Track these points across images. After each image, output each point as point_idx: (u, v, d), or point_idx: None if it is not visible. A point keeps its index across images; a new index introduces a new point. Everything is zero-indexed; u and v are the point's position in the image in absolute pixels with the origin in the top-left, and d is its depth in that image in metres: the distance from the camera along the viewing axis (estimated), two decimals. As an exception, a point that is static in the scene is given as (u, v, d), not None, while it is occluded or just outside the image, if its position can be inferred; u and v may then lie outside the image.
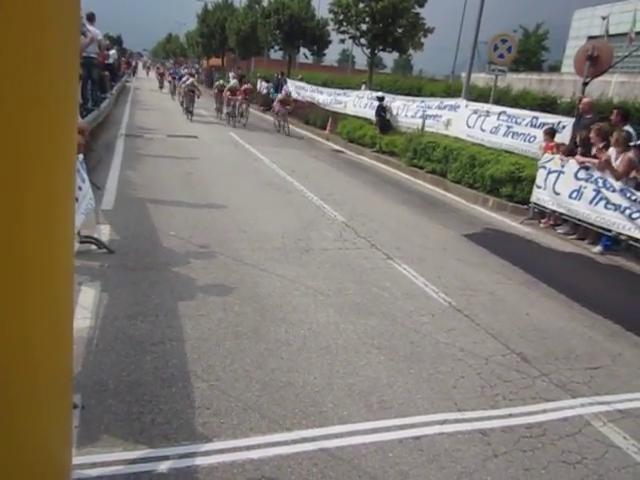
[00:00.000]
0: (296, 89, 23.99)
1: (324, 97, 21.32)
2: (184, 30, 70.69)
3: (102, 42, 15.01)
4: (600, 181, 7.85)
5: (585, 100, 9.47)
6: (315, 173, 11.74)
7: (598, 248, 7.84)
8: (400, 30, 20.35)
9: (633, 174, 7.60)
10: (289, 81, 25.04)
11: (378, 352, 4.18)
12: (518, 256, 7.10)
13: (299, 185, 10.04)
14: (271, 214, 7.85)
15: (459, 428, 3.36)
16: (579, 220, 8.22)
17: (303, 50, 33.32)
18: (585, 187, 8.09)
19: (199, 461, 2.83)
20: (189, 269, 5.40)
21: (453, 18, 39.72)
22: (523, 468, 3.06)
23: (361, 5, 19.85)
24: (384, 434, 3.22)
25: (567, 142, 9.51)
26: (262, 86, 28.26)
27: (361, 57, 28.71)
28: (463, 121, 13.16)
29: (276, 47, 34.51)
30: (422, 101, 15.54)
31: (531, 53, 44.73)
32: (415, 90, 18.62)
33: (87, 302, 4.45)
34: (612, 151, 7.88)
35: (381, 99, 16.13)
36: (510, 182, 10.00)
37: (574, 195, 8.25)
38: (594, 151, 8.27)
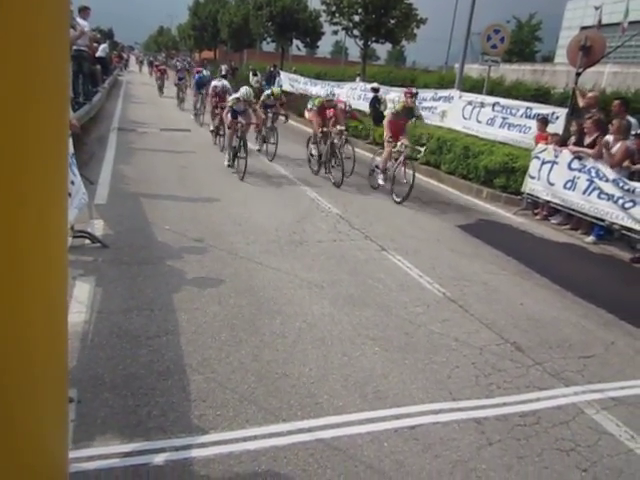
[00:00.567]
0: (290, 81, 23.92)
1: (317, 89, 21.25)
2: (176, 23, 70.38)
3: (90, 34, 14.87)
4: (593, 171, 7.88)
5: (590, 94, 9.46)
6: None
7: (591, 238, 7.88)
8: (393, 21, 20.32)
9: (626, 163, 7.62)
10: (282, 74, 24.95)
11: (373, 343, 4.20)
12: (512, 246, 7.13)
13: (293, 178, 10.02)
14: (265, 207, 7.84)
15: (454, 417, 3.39)
16: (573, 210, 8.25)
17: (296, 42, 33.21)
18: (579, 177, 8.11)
19: (195, 453, 2.84)
20: (184, 263, 5.40)
21: (446, 9, 39.61)
22: (517, 456, 3.09)
23: (353, -4, 19.80)
24: (379, 424, 3.24)
25: (560, 132, 9.53)
26: (252, 80, 28.09)
27: (354, 49, 28.61)
28: (459, 112, 13.14)
29: (269, 39, 34.36)
30: (416, 92, 15.49)
31: (524, 44, 44.67)
32: (409, 81, 18.57)
33: (82, 297, 4.44)
34: (609, 138, 7.90)
35: (376, 90, 16.07)
36: (504, 173, 10.02)
37: (568, 185, 8.27)
38: (587, 141, 8.29)
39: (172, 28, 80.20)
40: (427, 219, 8.21)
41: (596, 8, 12.90)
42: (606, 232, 7.88)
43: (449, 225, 7.96)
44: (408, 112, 9.64)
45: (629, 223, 7.36)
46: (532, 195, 9.07)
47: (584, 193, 7.97)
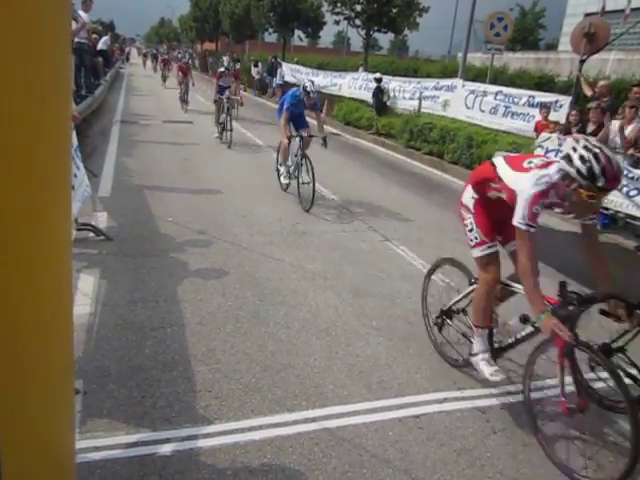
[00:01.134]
0: (292, 72, 23.81)
1: (319, 79, 21.15)
2: (177, 14, 70.10)
3: (90, 26, 14.80)
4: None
5: (602, 83, 9.37)
6: (312, 156, 11.65)
7: (596, 226, 7.86)
8: (395, 10, 20.16)
9: (631, 151, 7.58)
10: (284, 64, 24.83)
11: (377, 333, 4.20)
12: (516, 236, 7.10)
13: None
14: (269, 198, 7.83)
15: (458, 406, 3.39)
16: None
17: (298, 32, 33.04)
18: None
19: (201, 443, 2.86)
20: (188, 255, 5.40)
21: (449, -3, 39.29)
22: (522, 444, 3.10)
23: (355, -15, 19.65)
24: (384, 413, 3.25)
25: (564, 121, 9.48)
26: (253, 71, 27.99)
27: (356, 39, 28.49)
28: (461, 102, 13.08)
29: (270, 30, 34.20)
30: (418, 82, 15.44)
31: (528, 32, 44.35)
32: (411, 71, 18.50)
33: (87, 289, 4.46)
34: (620, 122, 7.88)
35: (379, 80, 15.99)
36: (507, 162, 9.97)
37: (572, 174, 8.23)
38: (590, 129, 8.24)
39: (173, 20, 79.99)
40: (431, 209, 8.19)
41: (600, -6, 12.79)
42: (611, 220, 7.84)
43: (453, 215, 7.91)
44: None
45: (634, 211, 7.33)
46: (536, 184, 9.02)
47: (589, 181, 7.93)
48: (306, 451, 2.88)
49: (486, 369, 3.44)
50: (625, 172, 7.40)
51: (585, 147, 2.75)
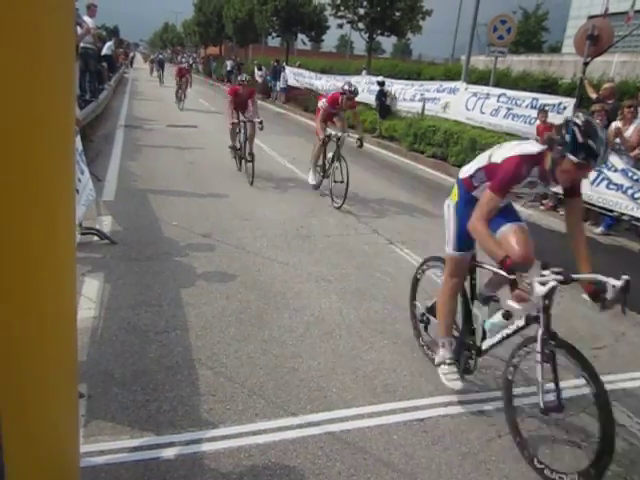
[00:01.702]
0: (294, 76, 23.86)
1: (322, 83, 21.19)
2: (181, 19, 70.36)
3: (95, 32, 14.89)
4: (602, 161, 7.81)
5: (606, 85, 9.35)
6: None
7: (600, 229, 7.82)
8: (398, 13, 20.19)
9: (636, 152, 7.55)
10: (287, 68, 24.89)
11: (381, 336, 4.19)
12: (520, 238, 7.08)
13: (300, 172, 10.01)
14: (272, 202, 7.84)
15: (463, 410, 3.38)
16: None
17: (301, 36, 33.08)
18: (587, 168, 8.05)
19: (205, 447, 2.85)
20: (192, 258, 5.41)
21: (451, 0, 39.35)
22: (527, 448, 3.08)
23: (358, -11, 19.69)
24: (388, 417, 3.24)
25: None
26: (256, 74, 28.09)
27: (359, 42, 28.53)
28: (462, 104, 13.08)
29: (274, 34, 34.25)
30: (421, 85, 15.45)
31: (531, 34, 44.23)
32: (415, 74, 18.49)
33: (91, 293, 4.47)
34: (618, 124, 7.84)
35: (382, 84, 16.02)
36: (511, 164, 9.96)
37: (576, 176, 8.21)
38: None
39: (177, 24, 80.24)
40: (435, 212, 8.17)
41: (603, -4, 12.76)
42: (616, 222, 7.82)
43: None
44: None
45: (639, 214, 7.30)
46: (540, 186, 9.01)
47: (592, 183, 7.91)
48: (310, 455, 2.87)
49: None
50: (630, 174, 7.38)
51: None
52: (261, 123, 8.68)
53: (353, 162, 11.70)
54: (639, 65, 17.43)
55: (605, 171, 7.74)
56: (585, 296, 3.06)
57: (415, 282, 4.17)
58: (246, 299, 4.62)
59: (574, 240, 3.30)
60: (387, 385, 3.57)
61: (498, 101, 11.98)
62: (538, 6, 45.82)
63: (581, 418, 3.21)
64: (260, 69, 28.08)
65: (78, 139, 5.23)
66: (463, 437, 3.13)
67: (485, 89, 12.68)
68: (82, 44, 11.38)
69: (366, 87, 17.54)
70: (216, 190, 8.18)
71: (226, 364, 3.63)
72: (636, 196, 7.28)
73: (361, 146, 8.20)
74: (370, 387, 3.53)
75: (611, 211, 7.68)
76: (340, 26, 22.77)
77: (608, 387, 3.74)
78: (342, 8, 20.83)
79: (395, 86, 16.30)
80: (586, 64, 9.88)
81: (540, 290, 2.88)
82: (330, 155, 8.32)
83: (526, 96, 11.41)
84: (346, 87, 8.05)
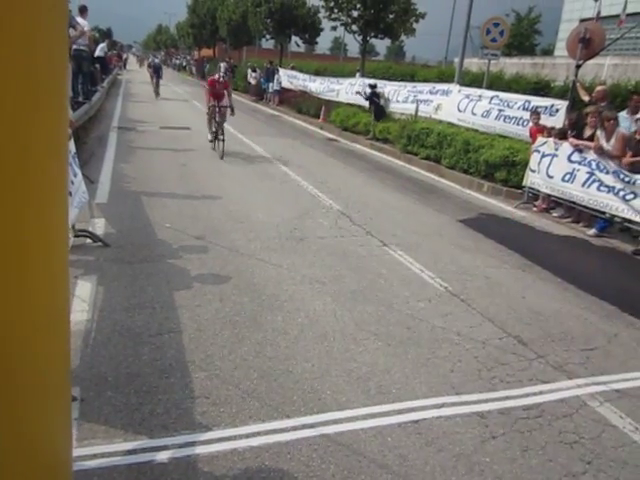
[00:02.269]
0: (288, 78, 23.86)
1: (316, 85, 21.18)
2: (174, 21, 70.21)
3: (90, 34, 14.86)
4: (594, 163, 7.86)
5: (599, 88, 9.37)
6: (310, 162, 11.71)
7: (593, 231, 7.86)
8: (392, 16, 20.22)
9: (628, 159, 7.55)
10: (281, 70, 24.89)
11: (375, 338, 4.20)
12: (513, 240, 7.12)
13: (294, 174, 10.02)
14: (266, 204, 7.83)
15: (457, 411, 3.38)
16: (572, 203, 8.24)
17: (295, 39, 33.09)
18: (578, 170, 8.10)
19: (199, 450, 2.85)
20: (185, 260, 5.40)
21: (445, 3, 39.49)
22: (521, 449, 3.09)
23: (352, -9, 19.71)
24: (382, 419, 3.24)
25: (561, 125, 9.50)
26: (250, 76, 28.07)
27: (353, 45, 28.60)
28: (454, 105, 13.10)
29: (267, 36, 34.25)
30: (414, 86, 15.48)
31: (524, 37, 44.46)
32: (408, 77, 18.51)
33: (84, 295, 4.45)
34: (600, 134, 7.87)
35: (373, 86, 16.05)
36: (504, 167, 10.01)
37: (567, 178, 8.25)
38: (587, 134, 8.26)
39: (171, 26, 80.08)
40: (428, 214, 8.20)
41: (595, 0, 12.78)
42: (608, 224, 7.86)
43: (450, 219, 7.94)
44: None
45: (630, 215, 7.34)
46: (533, 189, 9.06)
47: (583, 185, 7.95)
48: (304, 457, 2.87)
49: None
50: (621, 176, 7.43)
51: None
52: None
53: (347, 164, 11.77)
54: (630, 68, 17.57)
55: (597, 173, 7.78)
56: None
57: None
58: (240, 301, 4.61)
59: None
60: (381, 387, 3.57)
61: (490, 103, 12.02)
62: (531, 9, 46.12)
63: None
64: (254, 71, 28.06)
65: (71, 141, 5.21)
66: (457, 438, 3.14)
67: (478, 91, 12.72)
68: (75, 46, 11.34)
69: (361, 89, 17.56)
70: (209, 192, 8.17)
71: (220, 366, 3.62)
72: (627, 198, 7.32)
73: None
74: (364, 389, 3.53)
75: (603, 213, 7.72)
76: (334, 28, 22.77)
77: (600, 388, 3.80)
78: (336, 10, 20.83)
79: (388, 87, 16.33)
80: (578, 67, 9.93)
81: None
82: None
83: (519, 98, 11.45)
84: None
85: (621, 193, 7.40)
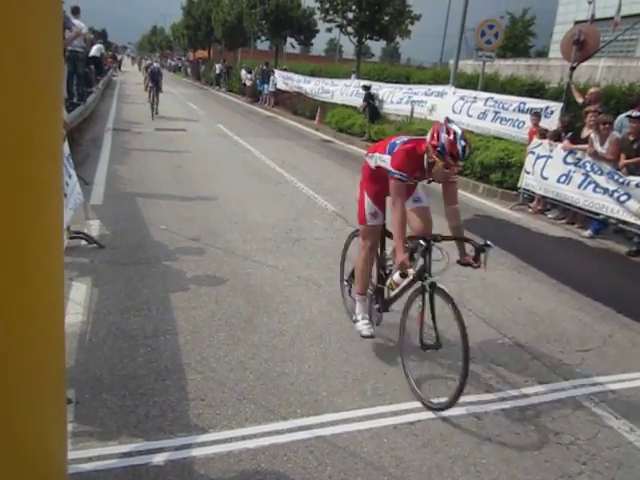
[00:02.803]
0: (283, 79, 23.86)
1: (311, 86, 21.20)
2: (169, 22, 70.16)
3: (87, 36, 14.83)
4: (588, 165, 7.89)
5: (592, 90, 9.39)
6: (305, 164, 11.71)
7: (588, 232, 7.89)
8: (387, 18, 20.29)
9: (623, 162, 7.57)
10: (276, 72, 24.89)
11: (372, 340, 4.18)
12: (509, 241, 7.13)
13: (289, 176, 10.02)
14: (262, 205, 7.82)
15: (453, 413, 3.38)
16: (568, 204, 8.27)
17: (290, 40, 33.14)
18: (574, 171, 8.13)
19: (195, 452, 2.83)
20: (180, 262, 5.38)
21: (440, 5, 39.62)
22: (517, 450, 3.09)
23: (347, -7, 19.75)
24: (379, 420, 3.24)
25: (555, 127, 9.53)
26: (246, 77, 28.05)
27: (349, 46, 28.63)
28: (449, 107, 13.11)
29: (263, 38, 34.28)
30: (409, 88, 15.51)
31: (518, 39, 44.61)
32: (403, 78, 18.58)
33: (79, 297, 4.43)
34: (594, 137, 7.89)
35: (368, 88, 16.07)
36: (499, 168, 10.04)
37: (562, 180, 8.28)
38: (584, 134, 8.29)
39: (166, 28, 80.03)
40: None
41: (589, 2, 12.83)
42: (602, 226, 7.89)
43: (445, 221, 7.93)
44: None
45: (625, 216, 7.37)
46: (528, 190, 9.08)
47: (579, 187, 7.98)
48: (301, 459, 2.86)
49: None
50: (616, 177, 7.45)
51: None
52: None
53: (342, 166, 11.77)
54: (624, 70, 17.65)
55: (592, 174, 7.81)
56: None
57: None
58: (235, 303, 4.60)
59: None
60: (377, 388, 3.57)
61: (485, 104, 12.04)
62: (525, 11, 46.30)
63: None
64: (249, 72, 28.05)
65: (65, 143, 5.19)
66: (453, 440, 3.14)
67: (473, 93, 12.75)
68: (70, 47, 11.31)
69: (356, 91, 17.60)
70: (205, 193, 8.15)
71: (215, 368, 3.61)
72: (622, 199, 7.35)
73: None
74: (360, 390, 3.53)
75: (598, 214, 7.75)
76: (329, 30, 22.81)
77: (595, 389, 3.81)
78: (331, 12, 20.88)
79: (383, 89, 16.36)
80: (573, 69, 9.98)
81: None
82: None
83: (514, 100, 11.48)
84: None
85: (615, 194, 7.43)
